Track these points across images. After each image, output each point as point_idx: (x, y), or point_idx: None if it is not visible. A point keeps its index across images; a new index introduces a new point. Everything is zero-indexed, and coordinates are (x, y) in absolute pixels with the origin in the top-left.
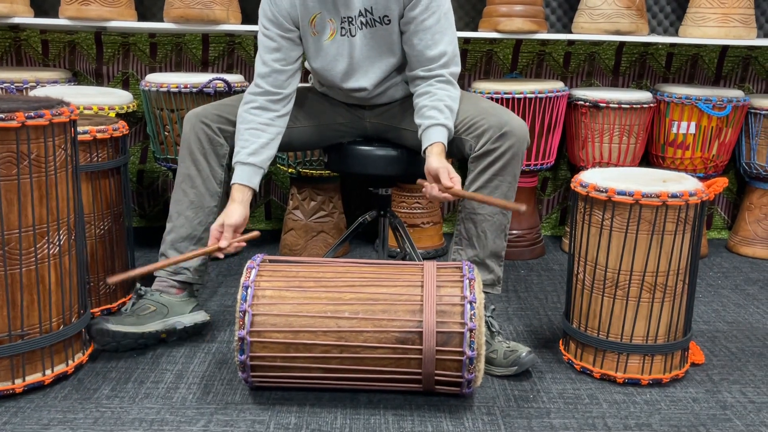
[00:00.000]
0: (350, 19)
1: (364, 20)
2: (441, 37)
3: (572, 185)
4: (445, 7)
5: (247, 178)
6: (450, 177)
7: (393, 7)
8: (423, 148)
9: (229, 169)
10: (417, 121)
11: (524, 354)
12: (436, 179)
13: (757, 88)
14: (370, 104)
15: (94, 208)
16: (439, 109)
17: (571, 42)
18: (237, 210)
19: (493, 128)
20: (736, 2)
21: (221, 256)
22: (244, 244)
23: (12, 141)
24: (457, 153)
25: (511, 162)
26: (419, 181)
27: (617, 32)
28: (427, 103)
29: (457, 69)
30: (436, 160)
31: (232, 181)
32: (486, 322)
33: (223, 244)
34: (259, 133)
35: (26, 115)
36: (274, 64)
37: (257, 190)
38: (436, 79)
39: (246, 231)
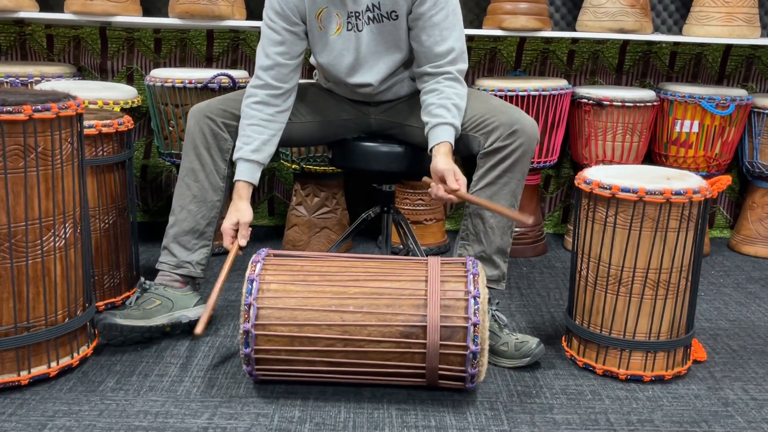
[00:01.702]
0: (357, 14)
1: (371, 15)
2: (449, 33)
3: (576, 182)
4: (453, 4)
5: (250, 174)
6: (456, 179)
7: (401, 3)
8: (430, 146)
9: (232, 164)
10: (424, 118)
11: (535, 345)
12: (442, 180)
13: (761, 88)
14: (375, 100)
15: (99, 202)
16: (446, 108)
17: (574, 40)
18: (247, 207)
19: (503, 126)
20: (741, 1)
21: (241, 253)
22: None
23: (19, 134)
24: (464, 150)
25: (521, 160)
26: (425, 179)
27: (621, 30)
28: (434, 101)
29: (464, 66)
30: (442, 161)
31: (236, 178)
32: (493, 315)
33: (243, 242)
34: (261, 130)
35: (33, 108)
36: (277, 57)
37: (257, 185)
38: (443, 76)
39: None
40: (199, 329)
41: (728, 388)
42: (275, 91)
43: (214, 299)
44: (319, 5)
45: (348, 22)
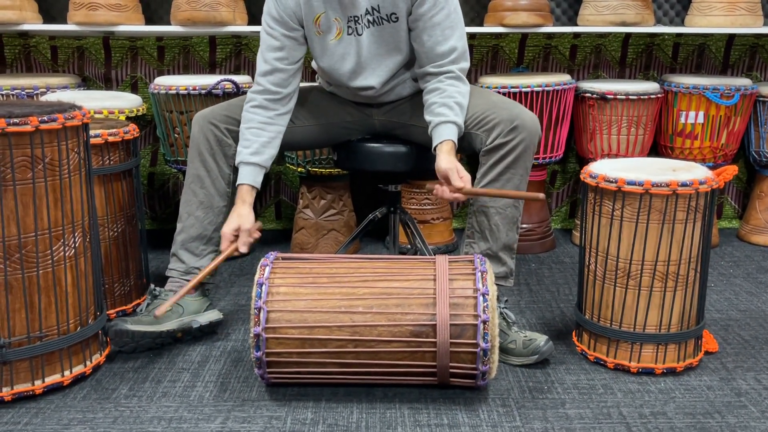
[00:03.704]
0: (357, 18)
1: (371, 18)
2: (451, 32)
3: (582, 176)
4: (453, 3)
5: (251, 178)
6: (460, 176)
7: (400, 5)
8: (433, 145)
9: (236, 170)
10: (427, 118)
11: (543, 342)
12: (447, 180)
13: (765, 76)
14: (378, 102)
15: (107, 210)
16: (449, 106)
17: (576, 35)
18: (249, 213)
19: (504, 122)
20: None
21: (237, 253)
22: (258, 234)
23: (26, 145)
24: (467, 148)
25: (523, 155)
26: (428, 185)
27: (623, 23)
28: (437, 100)
29: (466, 64)
30: (445, 161)
31: (238, 182)
32: (501, 313)
33: (243, 249)
34: (259, 132)
35: (39, 119)
36: (275, 62)
37: (259, 188)
38: (445, 75)
39: None
40: (159, 312)
41: (741, 378)
42: (274, 96)
43: (187, 288)
44: (316, 11)
45: (348, 27)
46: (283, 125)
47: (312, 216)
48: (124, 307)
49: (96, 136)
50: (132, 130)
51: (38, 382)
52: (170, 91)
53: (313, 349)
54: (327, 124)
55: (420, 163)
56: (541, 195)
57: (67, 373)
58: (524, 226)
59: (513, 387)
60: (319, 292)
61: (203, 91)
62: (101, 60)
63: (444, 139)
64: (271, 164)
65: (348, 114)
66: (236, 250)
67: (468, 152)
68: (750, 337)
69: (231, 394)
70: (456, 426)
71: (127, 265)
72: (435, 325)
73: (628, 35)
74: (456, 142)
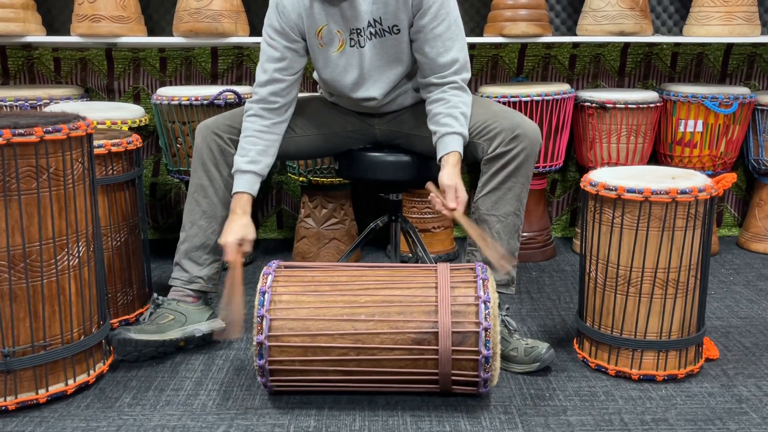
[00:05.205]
0: (359, 31)
1: (373, 30)
2: (452, 44)
3: (582, 184)
4: (453, 14)
5: (249, 186)
6: (456, 196)
7: (402, 16)
8: (438, 156)
9: None
10: (432, 128)
11: (545, 350)
12: (444, 195)
13: (763, 85)
14: (380, 112)
15: (110, 220)
16: (454, 117)
17: (575, 44)
18: (251, 223)
19: (505, 131)
20: (740, 0)
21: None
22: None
23: (31, 156)
24: (469, 156)
25: (524, 164)
26: (428, 185)
27: (621, 33)
28: (442, 110)
29: (468, 75)
30: (448, 175)
31: (235, 190)
32: (502, 320)
33: (243, 259)
34: (255, 141)
35: (44, 129)
36: (275, 73)
37: (256, 196)
38: (449, 85)
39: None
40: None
41: (742, 384)
42: (271, 105)
43: (239, 306)
44: (318, 23)
45: (350, 39)
46: (279, 134)
47: (313, 225)
48: (127, 317)
49: (99, 146)
50: (135, 141)
51: (42, 391)
52: (172, 102)
53: (315, 357)
54: (329, 133)
55: (421, 172)
56: (509, 267)
57: (70, 381)
58: (525, 234)
59: (515, 394)
60: (322, 301)
61: (205, 102)
62: (104, 71)
63: (451, 151)
64: (268, 173)
65: (349, 123)
66: (244, 265)
67: (470, 161)
68: (751, 344)
69: (234, 402)
70: None
71: (130, 275)
72: (437, 332)
73: (626, 45)
74: (462, 153)
